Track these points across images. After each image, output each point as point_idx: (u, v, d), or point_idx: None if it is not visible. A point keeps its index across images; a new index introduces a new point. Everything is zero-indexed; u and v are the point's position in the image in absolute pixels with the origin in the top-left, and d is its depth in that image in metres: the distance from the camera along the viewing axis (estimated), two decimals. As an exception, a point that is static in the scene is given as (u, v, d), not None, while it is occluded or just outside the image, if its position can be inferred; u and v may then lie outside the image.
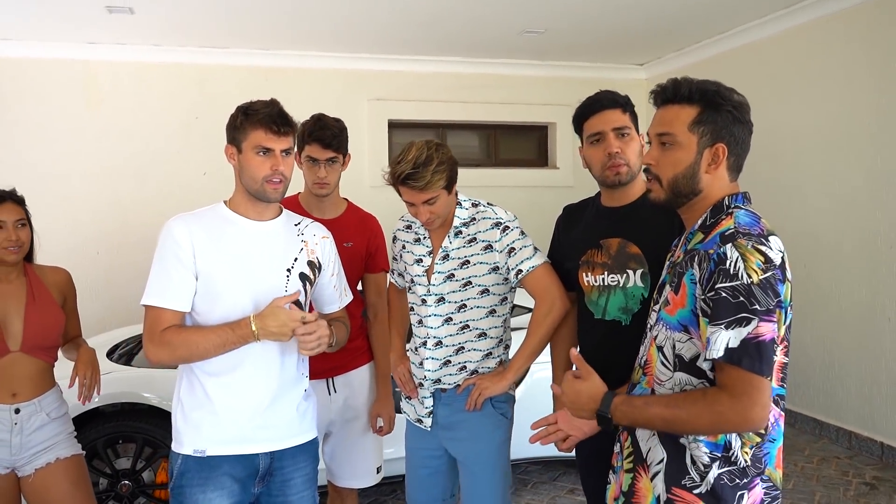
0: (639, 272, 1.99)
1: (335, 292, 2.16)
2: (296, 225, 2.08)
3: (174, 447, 1.95)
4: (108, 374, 3.43)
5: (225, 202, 2.02)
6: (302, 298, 2.01)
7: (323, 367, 2.58)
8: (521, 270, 2.19)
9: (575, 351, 1.67)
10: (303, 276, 2.02)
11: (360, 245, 2.64)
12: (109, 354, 3.70)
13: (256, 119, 1.90)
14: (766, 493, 1.47)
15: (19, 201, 2.43)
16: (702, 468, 1.46)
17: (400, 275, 2.45)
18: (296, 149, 2.47)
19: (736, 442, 1.46)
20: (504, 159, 6.62)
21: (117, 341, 3.92)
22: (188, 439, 1.91)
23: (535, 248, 2.22)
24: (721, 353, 1.38)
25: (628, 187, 2.06)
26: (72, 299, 2.60)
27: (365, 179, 5.78)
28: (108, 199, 5.51)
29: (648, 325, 1.64)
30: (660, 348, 1.55)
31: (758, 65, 5.13)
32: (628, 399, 1.54)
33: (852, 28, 4.45)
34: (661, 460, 1.51)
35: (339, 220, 2.66)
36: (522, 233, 2.23)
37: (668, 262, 1.68)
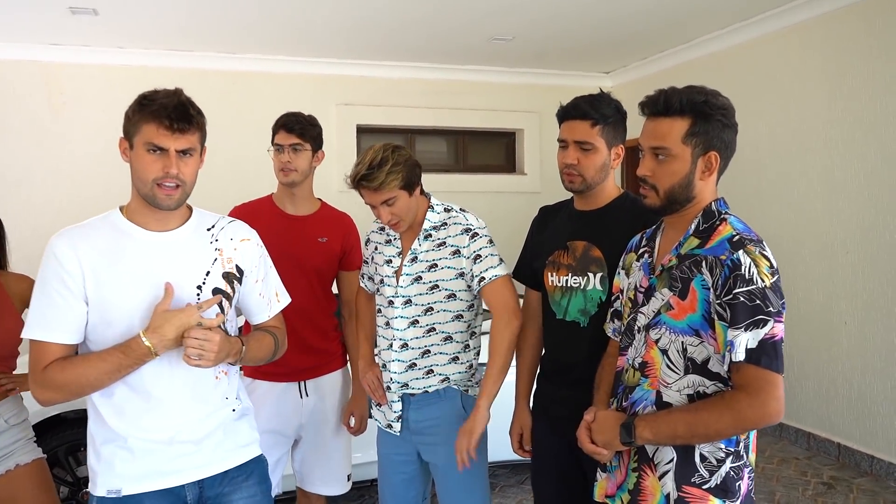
0: (598, 275, 2.04)
1: (262, 300, 1.90)
2: (208, 230, 1.80)
3: (90, 488, 1.73)
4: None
5: (121, 208, 1.74)
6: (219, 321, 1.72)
7: (294, 369, 2.59)
8: (483, 278, 2.21)
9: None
10: (218, 292, 1.75)
11: (335, 241, 2.66)
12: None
13: (150, 111, 1.62)
14: (748, 477, 1.59)
15: None
16: (714, 463, 1.55)
17: (370, 278, 2.46)
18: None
19: (740, 437, 1.56)
20: (472, 165, 6.67)
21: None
22: (101, 479, 1.68)
23: (501, 260, 2.25)
24: (742, 355, 1.46)
25: (599, 192, 2.11)
26: None
27: (333, 184, 5.74)
28: (70, 203, 5.42)
29: (636, 327, 1.69)
30: (664, 351, 1.61)
31: (719, 74, 5.24)
32: (646, 417, 1.60)
33: (808, 40, 4.58)
34: (671, 460, 1.58)
35: (314, 216, 2.68)
36: (490, 241, 2.25)
37: (639, 263, 1.75)
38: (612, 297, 1.89)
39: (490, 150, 6.81)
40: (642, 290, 1.71)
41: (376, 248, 2.39)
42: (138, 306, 1.65)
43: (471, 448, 2.11)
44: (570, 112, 2.07)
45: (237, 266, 1.81)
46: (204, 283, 1.73)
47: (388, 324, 2.30)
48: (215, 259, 1.77)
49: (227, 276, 1.78)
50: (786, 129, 4.78)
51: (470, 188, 6.30)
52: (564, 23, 4.98)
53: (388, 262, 2.32)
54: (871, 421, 4.26)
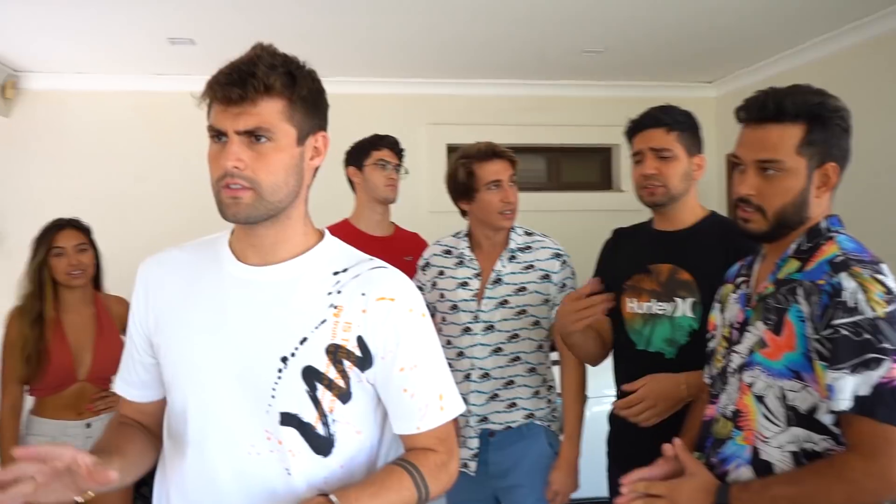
0: (689, 301, 1.84)
1: (409, 401, 1.21)
2: (335, 273, 1.22)
3: None
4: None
5: (232, 232, 1.30)
6: (309, 416, 1.16)
7: None
8: None
9: (679, 443, 1.40)
10: (309, 375, 1.15)
11: (418, 259, 2.59)
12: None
13: (209, 86, 1.18)
14: None
15: (80, 227, 2.48)
16: None
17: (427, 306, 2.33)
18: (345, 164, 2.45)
19: None
20: (566, 183, 6.47)
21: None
22: None
23: None
24: (849, 404, 1.17)
25: (682, 210, 1.93)
26: None
27: (423, 204, 5.70)
28: (167, 227, 5.56)
29: (730, 369, 1.43)
30: (760, 398, 1.33)
31: (836, 78, 4.84)
32: (744, 485, 1.31)
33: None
34: None
35: (395, 236, 2.66)
36: (574, 273, 2.16)
37: (735, 294, 1.50)
38: (708, 336, 1.62)
39: (584, 167, 6.59)
40: (737, 325, 1.44)
41: (441, 273, 2.25)
42: (194, 367, 1.18)
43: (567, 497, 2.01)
44: (642, 122, 1.94)
45: (360, 339, 1.18)
46: (293, 356, 1.15)
47: (461, 354, 2.15)
48: (324, 320, 1.17)
49: (335, 352, 1.16)
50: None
51: (563, 206, 6.08)
52: (659, 31, 4.73)
53: (464, 284, 2.17)
54: None
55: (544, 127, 6.16)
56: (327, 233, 1.29)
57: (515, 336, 2.12)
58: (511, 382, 2.13)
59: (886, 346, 1.17)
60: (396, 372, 1.20)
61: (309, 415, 1.16)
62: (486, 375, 2.13)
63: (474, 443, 2.14)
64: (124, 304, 2.62)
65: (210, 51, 4.91)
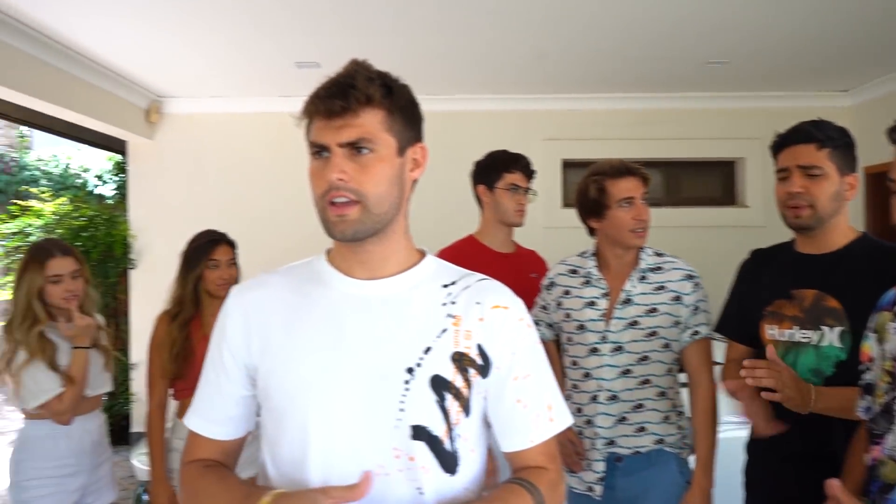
0: (837, 330, 1.72)
1: (522, 411, 1.19)
2: (445, 286, 1.20)
3: None
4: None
5: (328, 252, 1.27)
6: (438, 429, 1.13)
7: None
8: (697, 332, 2.03)
9: (838, 485, 1.27)
10: (438, 384, 1.13)
11: (542, 276, 2.58)
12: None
13: (310, 102, 1.17)
14: None
15: (231, 243, 2.66)
16: None
17: (549, 326, 2.29)
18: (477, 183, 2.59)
19: None
20: (685, 198, 6.26)
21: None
22: None
23: (711, 319, 2.09)
24: None
25: (831, 232, 1.80)
26: None
27: (538, 220, 5.69)
28: (297, 241, 5.84)
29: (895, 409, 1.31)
30: None
31: None
32: None
33: None
34: None
35: (517, 253, 2.65)
36: (706, 296, 2.09)
37: (894, 324, 1.37)
38: (862, 367, 1.48)
39: (705, 182, 6.36)
40: None
41: (567, 292, 2.22)
42: (314, 388, 1.12)
43: None
44: (791, 137, 1.82)
45: (480, 347, 1.17)
46: (419, 365, 1.12)
47: (588, 375, 2.11)
48: (445, 329, 1.16)
49: (460, 360, 1.15)
50: None
51: (682, 222, 5.90)
52: (789, 38, 4.50)
53: (591, 304, 2.14)
54: None
55: (662, 141, 6.01)
56: (425, 250, 1.27)
57: (645, 358, 2.06)
58: (640, 406, 2.07)
59: None
60: (511, 381, 1.18)
61: (438, 427, 1.13)
62: (614, 398, 2.08)
63: (600, 466, 2.08)
64: None
65: (334, 72, 5.13)
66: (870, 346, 1.44)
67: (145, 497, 3.64)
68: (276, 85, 5.45)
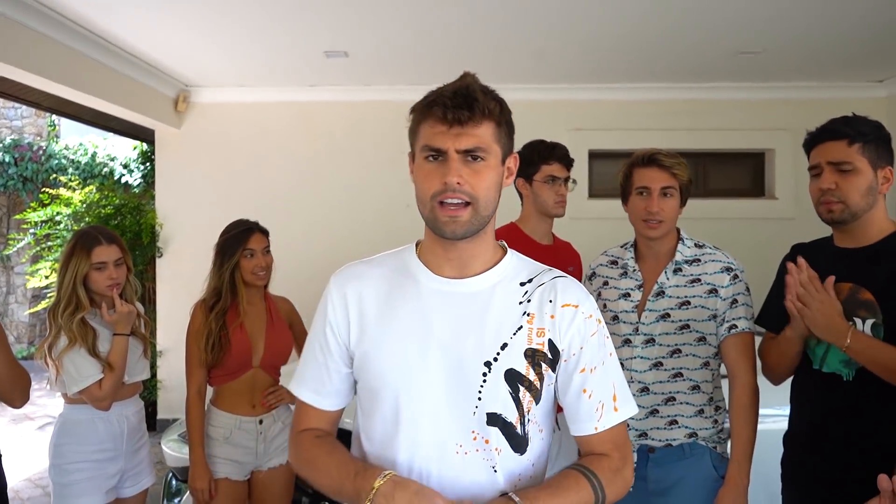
0: (869, 322, 1.72)
1: (587, 402, 1.31)
2: (522, 284, 1.33)
3: None
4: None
5: (417, 244, 1.39)
6: (512, 416, 1.27)
7: None
8: (735, 326, 2.00)
9: (887, 480, 1.26)
10: (512, 377, 1.26)
11: (578, 270, 2.57)
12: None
13: (425, 104, 1.29)
14: None
15: (264, 231, 2.69)
16: None
17: None
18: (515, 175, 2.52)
19: None
20: (713, 189, 6.18)
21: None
22: None
23: (753, 314, 2.04)
24: None
25: (867, 225, 1.80)
26: (298, 324, 2.89)
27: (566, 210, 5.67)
28: (322, 231, 5.89)
29: None
30: None
31: None
32: None
33: None
34: None
35: (556, 245, 2.63)
36: (748, 289, 2.04)
37: None
38: None
39: (734, 173, 6.27)
40: None
41: (605, 283, 2.21)
42: (401, 373, 1.27)
43: None
44: (821, 134, 1.82)
45: (550, 342, 1.29)
46: (496, 360, 1.25)
47: (622, 365, 2.11)
48: (520, 327, 1.28)
49: (533, 356, 1.27)
50: None
51: (710, 214, 5.82)
52: (823, 28, 4.42)
53: (626, 295, 2.13)
54: None
55: (691, 131, 5.93)
56: (506, 246, 1.39)
57: (678, 351, 2.04)
58: (672, 399, 2.05)
59: None
60: (577, 374, 1.30)
61: (511, 415, 1.27)
62: (645, 389, 2.06)
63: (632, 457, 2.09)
64: (288, 303, 2.87)
65: (363, 63, 5.13)
66: None
67: (175, 483, 3.70)
68: (305, 74, 5.47)
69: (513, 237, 2.58)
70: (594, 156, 6.02)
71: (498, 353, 1.26)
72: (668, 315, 2.05)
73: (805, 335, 1.84)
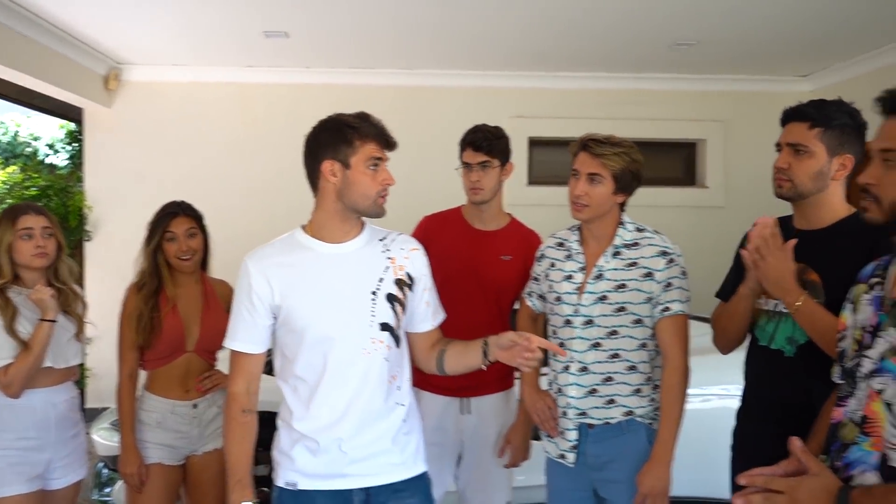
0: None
1: (428, 309, 1.97)
2: (381, 240, 1.92)
3: (273, 477, 1.92)
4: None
5: (303, 227, 1.91)
6: (394, 323, 1.86)
7: (457, 385, 2.52)
8: (668, 308, 2.05)
9: (799, 443, 1.39)
10: (391, 298, 1.85)
11: (519, 260, 2.56)
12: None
13: (368, 133, 1.81)
14: None
15: (191, 214, 2.62)
16: None
17: (540, 297, 2.32)
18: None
19: None
20: (649, 178, 6.29)
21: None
22: (282, 471, 1.87)
23: (689, 297, 2.09)
24: None
25: (821, 208, 1.88)
26: None
27: (504, 197, 5.71)
28: (261, 214, 5.79)
29: (859, 374, 1.39)
30: (889, 406, 1.30)
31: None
32: (866, 490, 1.27)
33: None
34: None
35: (500, 232, 2.61)
36: (684, 273, 2.10)
37: (868, 296, 1.45)
38: (839, 335, 1.55)
39: (667, 163, 6.44)
40: (870, 329, 1.39)
41: (552, 265, 2.25)
42: (321, 311, 1.81)
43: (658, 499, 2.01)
44: (790, 114, 1.90)
45: (408, 273, 1.91)
46: (378, 290, 1.85)
47: (562, 345, 2.15)
48: (388, 266, 1.89)
49: (399, 283, 1.89)
50: None
51: (644, 202, 5.89)
52: (755, 24, 4.58)
53: (569, 277, 2.17)
54: None
55: (627, 120, 6.03)
56: (363, 220, 1.92)
57: (615, 333, 2.09)
58: (610, 379, 2.10)
59: None
60: (421, 291, 1.95)
61: (394, 322, 1.86)
62: (584, 369, 2.12)
63: (573, 434, 2.13)
64: (228, 287, 2.77)
65: (303, 44, 5.05)
66: (846, 316, 1.51)
67: (105, 472, 3.60)
68: (243, 54, 5.35)
69: (445, 220, 2.63)
70: (534, 143, 6.09)
71: (378, 285, 1.85)
72: (606, 297, 2.10)
73: (757, 291, 1.91)
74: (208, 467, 2.64)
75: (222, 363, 2.75)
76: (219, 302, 2.69)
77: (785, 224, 1.98)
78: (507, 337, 1.80)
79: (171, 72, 5.70)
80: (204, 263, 2.72)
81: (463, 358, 1.91)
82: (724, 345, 2.10)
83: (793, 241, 1.79)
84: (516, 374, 2.62)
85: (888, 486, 1.26)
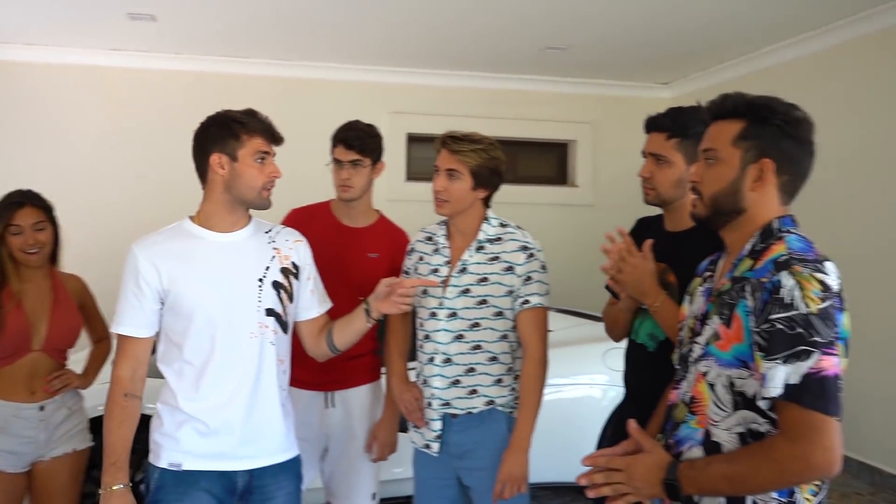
0: None
1: (313, 297, 2.07)
2: (266, 233, 2.03)
3: (151, 459, 1.91)
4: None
5: (192, 217, 1.97)
6: (279, 309, 1.96)
7: (320, 380, 2.52)
8: (527, 301, 2.13)
9: (634, 424, 1.54)
10: (276, 285, 1.96)
11: (386, 258, 2.57)
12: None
13: (255, 128, 1.89)
14: None
15: (39, 205, 2.45)
16: None
17: None
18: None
19: (797, 488, 1.36)
20: (523, 176, 6.55)
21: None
22: (165, 452, 1.88)
23: (548, 291, 2.17)
24: (779, 391, 1.27)
25: (680, 212, 1.99)
26: (91, 304, 2.68)
27: (382, 192, 5.68)
28: (126, 206, 5.51)
29: (690, 359, 1.53)
30: (712, 385, 1.44)
31: (786, 86, 5.01)
32: (690, 462, 1.42)
33: (883, 50, 4.34)
34: None
35: (368, 229, 2.61)
36: (544, 267, 2.18)
37: (701, 288, 1.59)
38: (679, 326, 1.70)
39: (541, 162, 6.69)
40: (700, 317, 1.54)
41: (421, 259, 2.29)
42: (209, 296, 1.87)
43: (516, 489, 2.09)
44: (650, 123, 2.01)
45: (293, 263, 2.02)
46: (264, 277, 1.94)
47: (427, 337, 2.20)
48: (273, 256, 1.98)
49: (285, 271, 1.99)
50: (862, 144, 4.52)
51: (519, 199, 6.16)
52: (621, 32, 4.85)
53: (435, 271, 2.22)
54: (943, 457, 3.99)
55: (503, 120, 6.22)
56: (250, 213, 2.01)
57: (477, 325, 2.15)
58: (472, 370, 2.16)
59: (817, 339, 1.26)
60: (306, 280, 2.05)
61: (279, 308, 1.96)
62: (448, 360, 2.16)
63: (437, 425, 2.17)
64: (79, 282, 2.64)
65: (172, 29, 4.84)
66: (685, 307, 1.66)
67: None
68: (106, 36, 5.06)
69: (318, 213, 2.60)
70: (413, 139, 6.15)
71: (264, 273, 1.95)
72: (469, 290, 2.16)
73: (631, 306, 2.03)
74: (58, 473, 2.49)
75: (76, 364, 2.63)
76: (69, 298, 2.55)
77: (656, 224, 2.11)
78: (382, 286, 1.98)
79: (28, 53, 5.30)
80: (54, 257, 2.55)
81: (349, 326, 2.05)
82: (613, 337, 2.22)
83: (649, 242, 1.90)
84: (382, 370, 2.64)
85: (708, 459, 1.41)
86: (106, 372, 3.14)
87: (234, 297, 1.89)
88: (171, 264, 1.87)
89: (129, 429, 1.86)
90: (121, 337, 1.90)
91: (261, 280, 1.93)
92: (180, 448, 1.87)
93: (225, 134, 1.87)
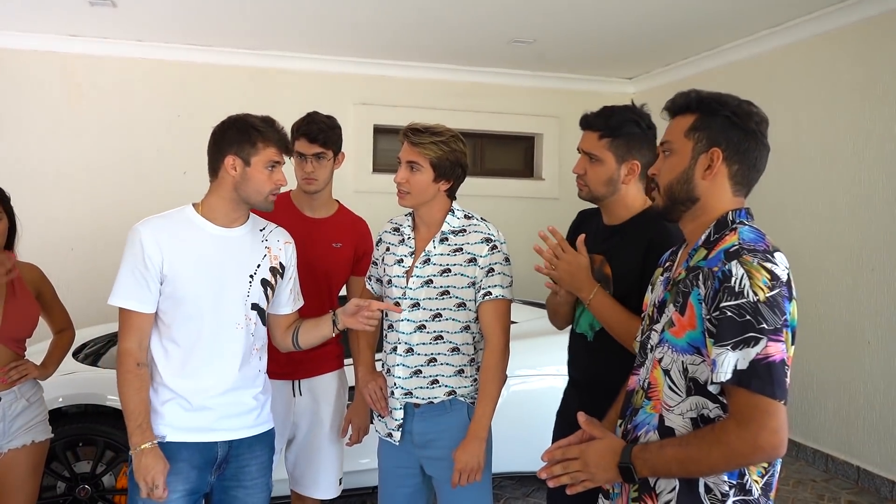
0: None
1: (291, 295, 2.22)
2: (261, 230, 2.14)
3: None
4: (73, 374, 3.34)
5: (194, 205, 2.06)
6: (263, 304, 2.09)
7: (287, 370, 2.53)
8: (489, 293, 2.15)
9: (583, 416, 1.59)
10: (264, 283, 2.08)
11: (349, 247, 2.60)
12: (76, 354, 3.60)
13: (271, 138, 2.01)
14: None
15: None
16: (719, 496, 1.40)
17: (378, 280, 2.37)
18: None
19: (746, 469, 1.40)
20: (490, 169, 6.58)
21: (85, 340, 3.82)
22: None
23: (511, 283, 2.19)
24: (728, 376, 1.32)
25: (619, 206, 2.04)
26: (48, 293, 2.62)
27: (349, 184, 5.71)
28: (85, 196, 5.40)
29: (649, 346, 1.57)
30: (666, 371, 1.49)
31: (744, 82, 5.13)
32: (644, 446, 1.47)
33: (837, 49, 4.46)
34: (673, 489, 1.44)
35: (330, 220, 2.62)
36: (507, 260, 2.20)
37: (662, 278, 1.64)
38: (642, 315, 1.74)
39: (508, 155, 6.73)
40: (658, 306, 1.60)
41: (388, 249, 2.30)
42: (203, 286, 1.98)
43: (472, 477, 2.11)
44: (582, 122, 2.06)
45: (280, 263, 2.14)
46: (255, 273, 2.07)
47: (391, 326, 2.22)
48: (265, 255, 2.10)
49: (273, 270, 2.11)
50: (812, 139, 4.65)
51: (487, 192, 6.22)
52: (587, 26, 4.89)
53: (399, 261, 2.23)
54: (892, 444, 4.12)
55: (471, 113, 6.25)
56: (249, 212, 2.11)
57: (438, 315, 2.16)
58: (434, 360, 2.17)
59: (764, 326, 1.31)
60: (288, 280, 2.18)
61: (263, 304, 2.10)
62: (410, 350, 2.18)
63: (399, 414, 2.19)
64: (35, 271, 2.59)
65: (133, 15, 4.75)
66: (648, 297, 1.71)
67: None
68: (65, 22, 4.94)
69: (280, 205, 2.57)
70: (379, 131, 6.13)
71: (255, 271, 2.07)
72: (432, 281, 2.18)
73: (569, 299, 2.09)
74: (15, 466, 2.44)
75: (36, 355, 2.58)
76: (26, 287, 2.50)
77: (595, 217, 2.16)
78: (352, 303, 2.09)
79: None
80: (10, 246, 2.50)
81: (315, 330, 2.18)
82: (556, 326, 2.28)
83: (582, 237, 1.98)
84: (348, 360, 2.65)
85: (660, 442, 1.46)
86: (68, 364, 3.12)
87: (225, 290, 2.01)
88: (174, 249, 1.97)
89: (146, 392, 1.98)
90: (125, 312, 1.97)
91: (252, 276, 2.05)
92: (164, 422, 1.99)
93: (242, 139, 1.98)
